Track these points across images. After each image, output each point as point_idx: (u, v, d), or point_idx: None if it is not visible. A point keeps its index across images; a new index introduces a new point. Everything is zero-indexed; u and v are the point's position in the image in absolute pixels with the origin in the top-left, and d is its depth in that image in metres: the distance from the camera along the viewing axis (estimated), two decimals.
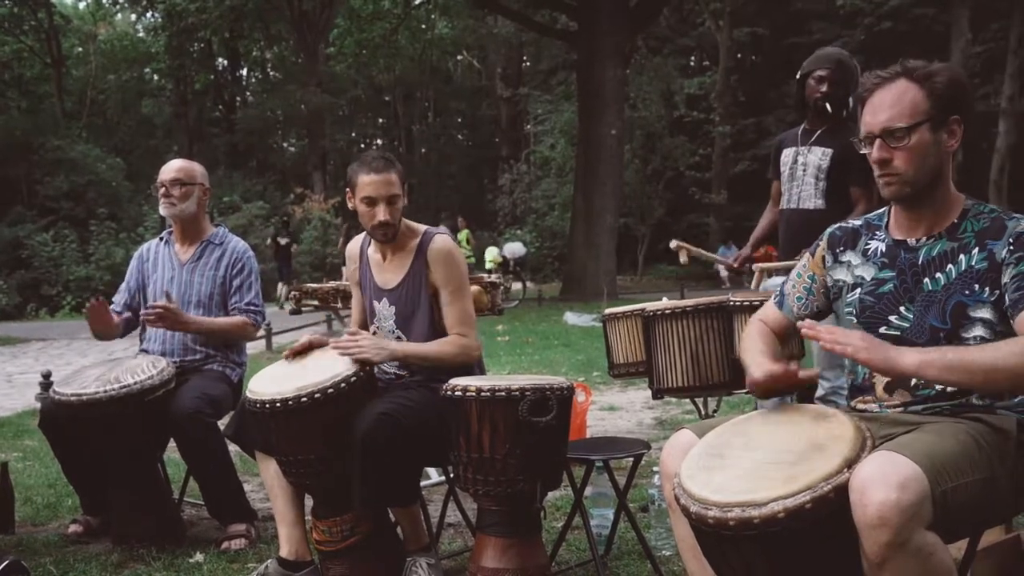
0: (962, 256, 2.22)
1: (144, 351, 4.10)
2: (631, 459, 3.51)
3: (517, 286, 20.68)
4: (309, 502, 3.31)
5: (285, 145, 41.27)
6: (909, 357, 2.07)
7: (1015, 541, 3.24)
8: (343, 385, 3.03)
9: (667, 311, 3.96)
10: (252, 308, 4.10)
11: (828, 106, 4.16)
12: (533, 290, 21.84)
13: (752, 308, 3.76)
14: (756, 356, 2.34)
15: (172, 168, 4.12)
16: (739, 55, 32.71)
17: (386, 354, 3.20)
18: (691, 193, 29.61)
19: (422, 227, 3.41)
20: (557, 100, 31.30)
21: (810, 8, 29.82)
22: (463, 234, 21.26)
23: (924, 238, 2.30)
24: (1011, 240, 2.16)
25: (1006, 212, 2.24)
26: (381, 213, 3.24)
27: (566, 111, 28.93)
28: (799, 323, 2.28)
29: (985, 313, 2.17)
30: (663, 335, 3.98)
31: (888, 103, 2.23)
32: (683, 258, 4.56)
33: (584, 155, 20.97)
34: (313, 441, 3.05)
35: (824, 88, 4.14)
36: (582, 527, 3.32)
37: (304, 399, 3.00)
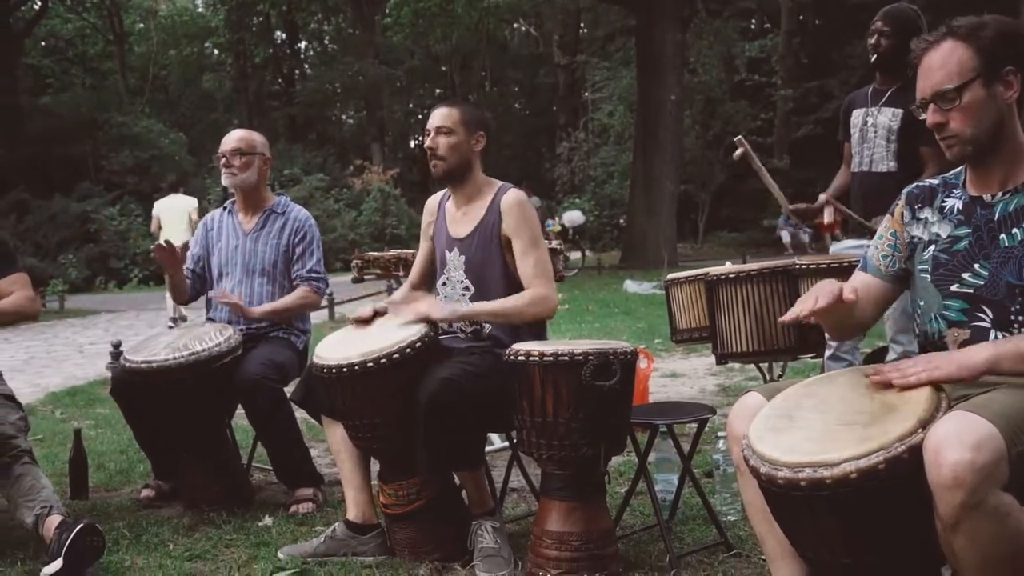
0: None
1: (211, 319, 4.16)
2: (695, 424, 3.49)
3: (576, 255, 20.63)
4: (375, 466, 3.35)
5: (344, 117, 41.55)
6: (980, 354, 2.05)
7: None
8: (408, 350, 3.04)
9: (731, 275, 3.91)
10: (314, 275, 4.13)
11: (875, 56, 4.05)
12: (592, 258, 21.80)
13: (819, 272, 3.70)
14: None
15: (233, 138, 4.16)
16: (801, 17, 32.02)
17: (448, 312, 3.22)
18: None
19: (499, 182, 3.43)
20: (615, 67, 31.00)
21: None
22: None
23: (1000, 193, 2.23)
24: None
25: None
26: (429, 140, 3.33)
27: (624, 77, 28.65)
28: (867, 374, 2.19)
29: None
30: (727, 300, 3.93)
31: (936, 65, 2.20)
32: (737, 154, 4.33)
33: (643, 122, 20.77)
34: (379, 405, 3.07)
35: (873, 40, 4.03)
36: (646, 492, 3.31)
37: (370, 364, 3.02)
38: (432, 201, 3.59)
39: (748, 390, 2.39)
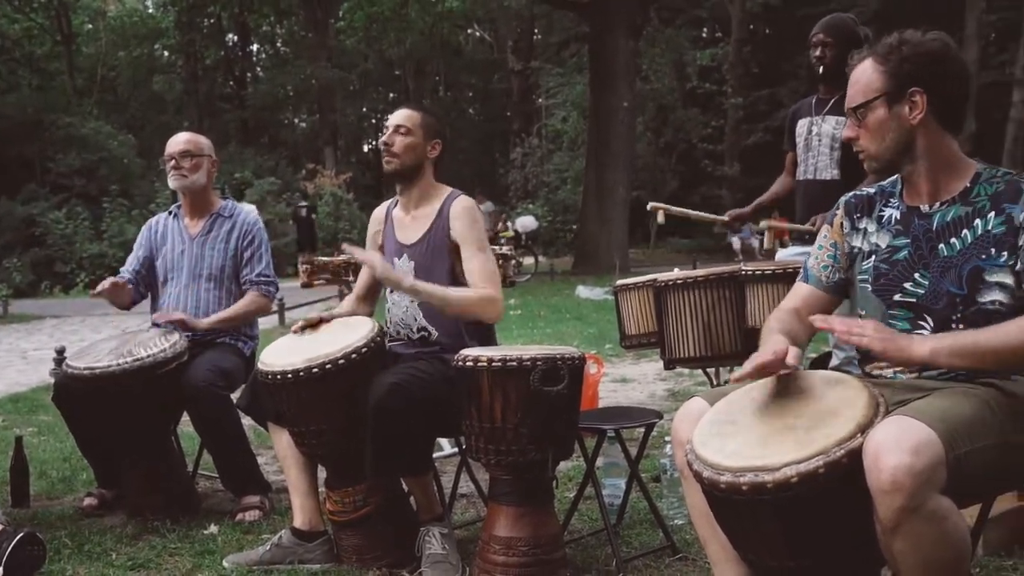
0: (978, 220, 2.20)
1: (156, 325, 4.11)
2: (643, 429, 3.51)
3: (529, 260, 20.66)
4: (322, 473, 3.33)
5: (296, 120, 41.22)
6: (922, 345, 2.08)
7: None
8: (354, 356, 3.03)
9: (679, 281, 3.95)
10: (264, 279, 4.10)
11: (821, 69, 4.14)
12: (545, 264, 21.83)
13: (765, 278, 3.75)
14: (768, 335, 2.30)
15: (180, 140, 4.11)
16: (751, 26, 32.38)
17: (395, 276, 3.16)
18: (704, 166, 29.45)
19: (448, 189, 3.44)
20: (569, 73, 31.11)
21: None
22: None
23: (937, 204, 2.28)
24: None
25: (1021, 175, 2.22)
26: (386, 136, 3.35)
27: (578, 84, 28.77)
28: (811, 317, 2.25)
29: (1003, 277, 2.15)
30: (675, 305, 3.97)
31: (853, 82, 2.31)
32: (660, 218, 4.50)
33: (596, 128, 20.87)
34: (325, 411, 3.06)
35: (818, 53, 4.11)
36: (594, 497, 3.32)
37: (315, 369, 3.01)
38: (379, 211, 3.59)
39: (693, 395, 2.41)
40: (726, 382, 4.34)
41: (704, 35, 35.34)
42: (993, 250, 2.16)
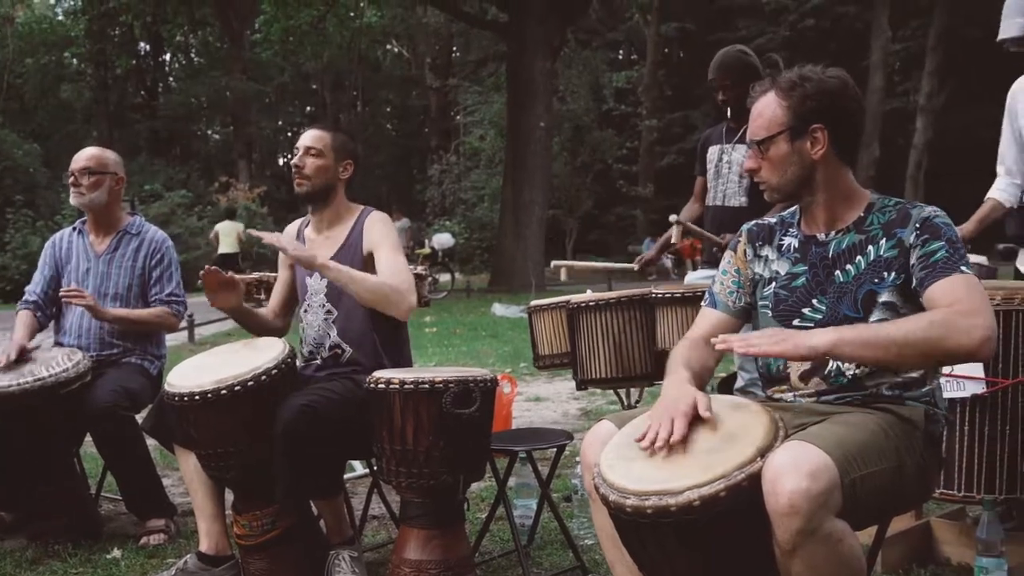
0: (871, 247, 2.29)
1: (59, 344, 4.00)
2: (554, 450, 3.54)
3: (445, 277, 20.65)
4: (230, 496, 3.28)
5: (209, 132, 40.58)
6: (823, 336, 2.11)
7: (925, 527, 3.36)
8: (264, 377, 3.00)
9: (591, 303, 4.01)
10: (173, 299, 4.03)
11: (729, 110, 4.27)
12: (461, 281, 21.85)
13: (674, 300, 3.82)
14: (675, 373, 2.32)
15: (83, 156, 4.01)
16: (666, 50, 33.07)
17: (307, 256, 3.12)
18: (619, 186, 29.88)
19: (361, 207, 3.43)
20: (487, 91, 31.28)
21: (736, 5, 30.30)
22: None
23: (833, 232, 2.36)
24: (917, 225, 2.23)
25: (910, 203, 2.32)
26: (297, 158, 3.32)
27: (496, 102, 28.93)
28: (712, 340, 2.28)
29: (892, 297, 2.24)
30: (587, 327, 4.03)
31: (755, 114, 2.35)
32: (563, 276, 4.59)
33: (513, 147, 21.01)
34: (233, 434, 3.01)
35: (721, 96, 4.24)
36: (506, 518, 3.34)
37: (224, 391, 2.96)
38: (291, 229, 3.57)
39: (604, 416, 2.45)
40: (637, 403, 4.42)
41: (620, 57, 35.90)
42: (885, 273, 2.25)
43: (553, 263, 4.60)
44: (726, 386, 4.55)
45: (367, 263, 3.27)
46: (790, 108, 2.28)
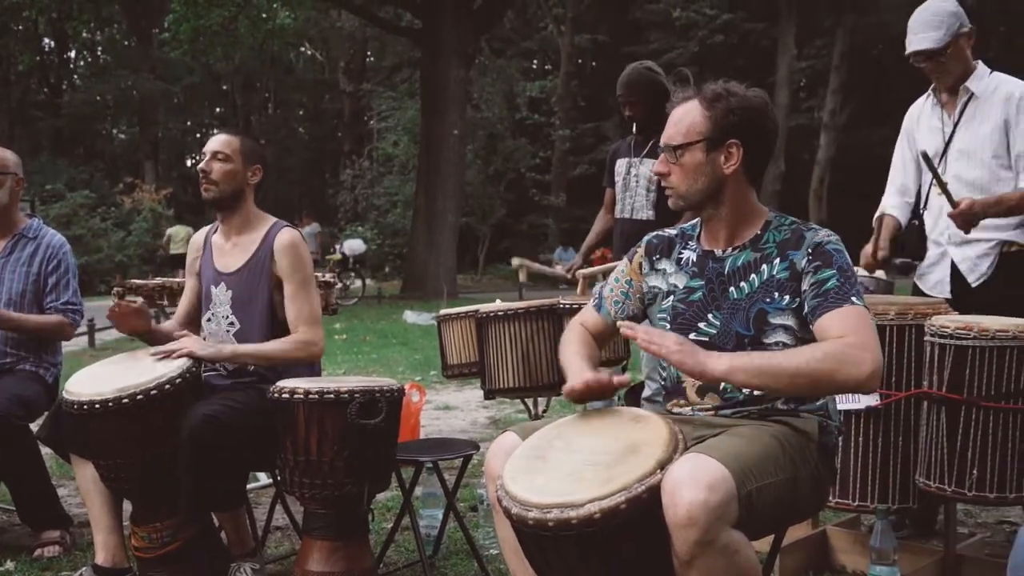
0: (764, 266, 2.34)
1: None
2: (461, 459, 3.54)
3: (356, 284, 20.48)
4: (128, 507, 3.20)
5: (115, 132, 39.51)
6: (719, 362, 2.15)
7: (821, 536, 3.46)
8: (167, 386, 2.94)
9: (499, 313, 4.03)
10: (70, 307, 3.90)
11: (635, 126, 4.36)
12: (373, 288, 21.69)
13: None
14: (574, 362, 2.38)
15: None
16: (580, 60, 33.36)
17: (212, 351, 3.14)
18: (531, 195, 30.05)
19: (272, 219, 3.38)
20: (400, 97, 31.16)
21: (648, 18, 30.76)
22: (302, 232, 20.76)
23: (730, 249, 2.41)
24: (809, 250, 2.29)
25: (805, 224, 2.38)
26: (204, 163, 3.27)
27: (409, 108, 28.84)
28: (619, 323, 2.34)
29: (786, 320, 2.29)
30: (495, 336, 4.04)
31: (674, 120, 2.38)
32: (522, 276, 4.64)
33: (426, 153, 20.97)
34: (133, 444, 2.95)
35: (627, 112, 4.32)
36: (412, 528, 3.33)
37: (125, 400, 2.90)
38: (198, 237, 3.50)
39: (515, 423, 2.47)
40: (544, 412, 4.45)
41: (534, 67, 36.13)
42: (776, 294, 2.30)
43: (514, 261, 4.66)
44: (634, 395, 4.62)
45: (274, 284, 3.24)
46: (711, 119, 2.32)
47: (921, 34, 3.48)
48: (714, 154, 2.33)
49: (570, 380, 2.32)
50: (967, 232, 3.40)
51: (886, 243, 3.68)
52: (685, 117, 2.35)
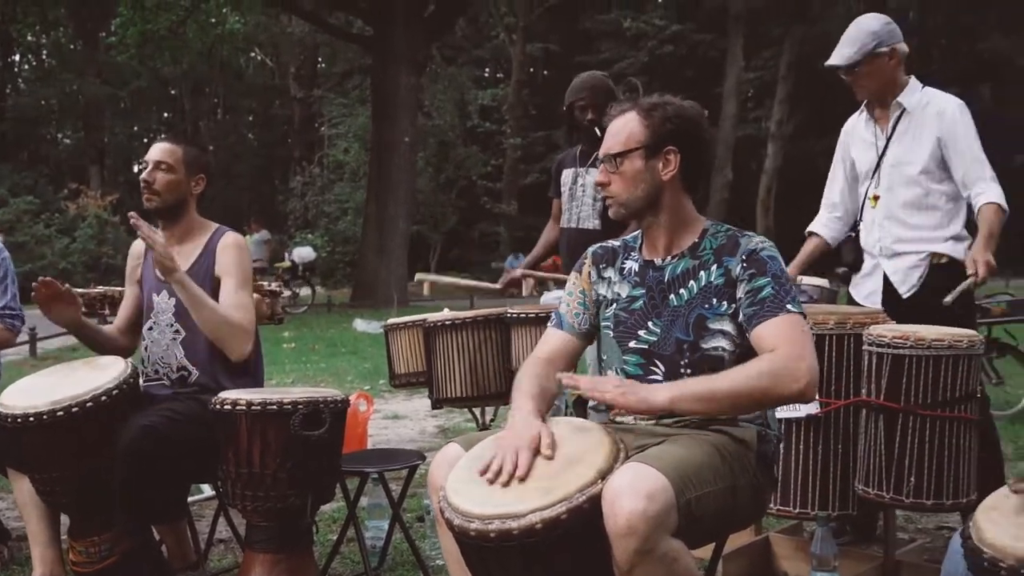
0: (702, 272, 2.38)
1: None
2: (407, 470, 3.53)
3: (306, 292, 20.31)
4: (66, 521, 3.15)
5: (60, 136, 38.86)
6: (661, 394, 2.18)
7: (764, 542, 3.49)
8: (104, 398, 2.89)
9: (447, 322, 4.03)
10: (8, 312, 3.83)
11: (597, 130, 4.35)
12: (322, 296, 21.54)
13: (529, 320, 3.88)
14: (524, 406, 2.32)
15: None
16: (531, 69, 33.50)
17: (176, 267, 3.02)
18: (483, 203, 30.08)
19: (215, 225, 3.35)
20: (352, 104, 31.00)
21: (599, 28, 30.99)
22: (249, 239, 20.46)
23: (669, 257, 2.45)
24: (744, 257, 2.34)
25: (740, 231, 2.43)
26: (147, 173, 3.23)
27: (361, 115, 28.70)
28: (558, 375, 2.35)
29: (724, 325, 2.33)
30: (443, 346, 4.05)
31: (613, 131, 2.43)
32: (426, 291, 4.59)
33: (377, 161, 20.89)
34: (70, 457, 2.90)
35: (589, 116, 4.31)
36: (357, 539, 3.31)
37: (60, 412, 2.85)
38: (137, 245, 3.45)
39: (464, 432, 2.46)
40: (491, 421, 4.46)
41: (486, 75, 36.17)
42: (714, 300, 2.35)
43: (417, 276, 4.59)
44: (582, 403, 4.63)
45: (215, 290, 3.20)
46: (649, 127, 2.37)
47: (839, 49, 3.62)
48: (652, 161, 2.38)
49: (518, 429, 2.23)
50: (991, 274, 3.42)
51: (796, 271, 3.79)
52: (624, 127, 2.40)
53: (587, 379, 2.28)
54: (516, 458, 2.10)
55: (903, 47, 3.60)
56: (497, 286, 4.64)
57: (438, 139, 29.51)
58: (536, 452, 2.12)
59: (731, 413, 2.29)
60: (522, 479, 2.07)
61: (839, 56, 3.60)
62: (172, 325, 3.23)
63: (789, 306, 2.26)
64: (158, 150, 3.27)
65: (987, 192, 3.45)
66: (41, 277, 3.17)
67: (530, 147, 30.46)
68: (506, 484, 2.06)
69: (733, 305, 2.32)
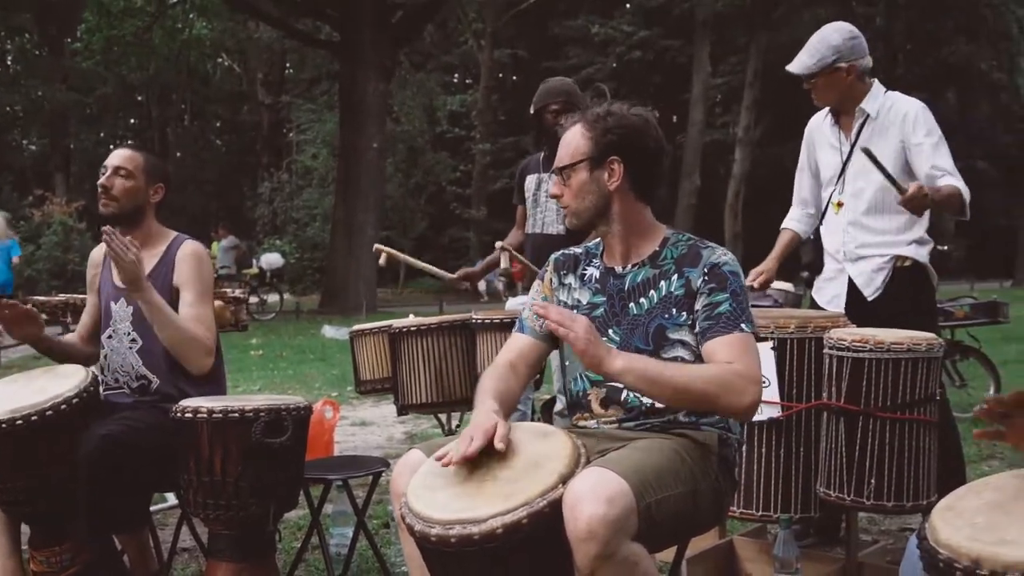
0: (663, 282, 2.40)
1: None
2: (371, 477, 3.52)
3: (274, 298, 20.21)
4: (26, 530, 3.11)
5: (25, 143, 38.42)
6: (617, 361, 2.18)
7: (728, 545, 3.51)
8: (63, 407, 2.86)
9: (412, 328, 4.02)
10: None
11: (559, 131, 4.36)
12: (291, 302, 21.44)
13: (494, 326, 3.88)
14: (484, 403, 2.31)
15: None
16: (500, 75, 33.55)
17: (136, 275, 2.97)
18: (452, 208, 30.09)
19: (174, 233, 3.33)
20: (320, 109, 30.91)
21: (567, 34, 31.09)
22: (216, 246, 20.31)
23: (630, 265, 2.46)
24: (705, 270, 2.35)
25: (702, 241, 2.44)
26: (105, 178, 3.20)
27: (329, 121, 28.63)
28: (533, 303, 2.43)
29: (683, 335, 2.35)
30: (408, 352, 4.04)
31: (563, 144, 2.46)
32: (382, 261, 4.53)
33: (345, 167, 20.83)
34: (28, 467, 2.86)
35: (563, 121, 4.30)
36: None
37: (19, 421, 2.81)
38: (96, 253, 3.42)
39: (431, 439, 2.45)
40: (457, 427, 4.45)
41: (455, 81, 36.20)
42: (674, 310, 2.36)
43: (375, 246, 4.59)
44: (548, 409, 4.65)
45: (176, 298, 3.17)
46: (592, 139, 2.39)
47: (800, 56, 3.66)
48: (597, 172, 2.40)
49: (477, 421, 2.23)
50: (920, 216, 3.47)
51: (774, 263, 3.83)
52: (572, 140, 2.43)
53: (557, 311, 2.24)
54: (469, 442, 2.10)
55: (864, 62, 3.62)
56: (453, 276, 4.65)
57: (407, 145, 29.49)
58: (490, 440, 2.11)
59: (670, 404, 2.30)
60: (483, 472, 2.07)
61: (798, 64, 3.64)
62: (129, 334, 3.20)
63: (744, 326, 2.29)
64: (118, 156, 3.25)
65: (951, 182, 3.47)
66: (3, 300, 3.14)
67: (499, 152, 30.51)
68: (464, 471, 2.08)
69: (692, 316, 2.34)
